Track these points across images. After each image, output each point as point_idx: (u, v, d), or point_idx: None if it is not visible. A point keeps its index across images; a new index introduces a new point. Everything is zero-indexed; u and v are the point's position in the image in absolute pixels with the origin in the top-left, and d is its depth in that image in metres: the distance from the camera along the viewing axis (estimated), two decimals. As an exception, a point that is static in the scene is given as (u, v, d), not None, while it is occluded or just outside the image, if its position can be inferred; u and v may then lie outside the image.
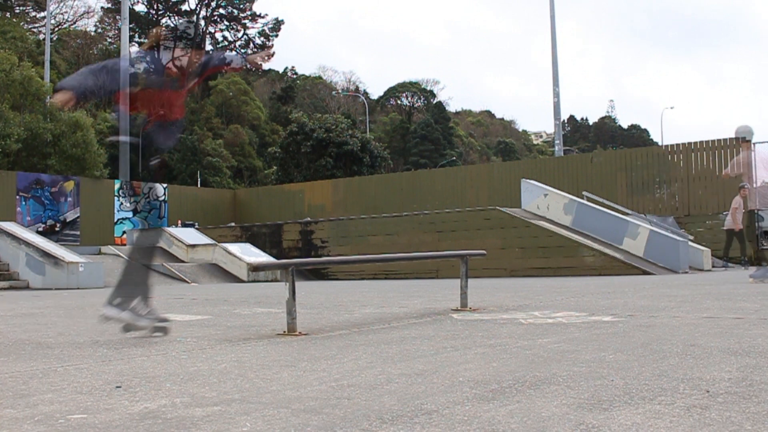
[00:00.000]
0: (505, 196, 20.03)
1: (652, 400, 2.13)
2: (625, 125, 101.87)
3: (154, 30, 3.94)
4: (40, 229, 21.00)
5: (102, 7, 58.50)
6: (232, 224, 22.37)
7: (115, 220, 23.92)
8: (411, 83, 73.71)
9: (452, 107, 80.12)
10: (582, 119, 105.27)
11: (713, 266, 14.87)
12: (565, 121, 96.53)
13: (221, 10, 63.56)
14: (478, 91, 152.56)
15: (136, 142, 3.94)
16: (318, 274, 17.40)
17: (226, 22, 64.04)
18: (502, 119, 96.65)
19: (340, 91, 67.00)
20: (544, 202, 16.00)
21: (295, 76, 69.65)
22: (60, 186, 22.64)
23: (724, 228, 14.65)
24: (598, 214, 15.16)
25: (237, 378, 2.75)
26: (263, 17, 64.41)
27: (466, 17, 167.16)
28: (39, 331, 4.89)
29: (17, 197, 21.47)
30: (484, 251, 6.43)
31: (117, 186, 24.39)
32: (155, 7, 61.69)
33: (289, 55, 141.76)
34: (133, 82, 3.81)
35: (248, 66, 4.51)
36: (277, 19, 68.16)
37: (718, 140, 18.05)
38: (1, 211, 20.30)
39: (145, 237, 4.51)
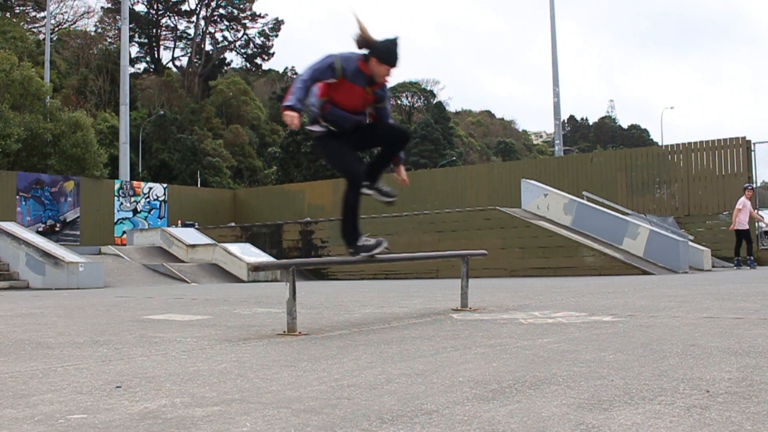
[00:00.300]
0: (505, 196, 20.04)
1: (652, 400, 2.13)
2: (625, 125, 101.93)
3: (363, 28, 4.27)
4: (40, 229, 21.01)
5: (102, 7, 58.57)
6: (232, 224, 22.37)
7: (115, 220, 23.92)
8: (411, 83, 73.74)
9: (452, 107, 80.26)
10: (582, 119, 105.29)
11: (713, 266, 14.87)
12: (565, 121, 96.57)
13: (221, 10, 63.56)
14: (478, 91, 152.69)
15: (326, 128, 4.42)
16: (318, 274, 17.40)
17: (226, 22, 64.05)
18: (502, 119, 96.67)
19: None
20: (544, 202, 15.99)
21: (295, 76, 69.64)
22: (60, 186, 22.64)
23: (734, 228, 14.63)
24: (598, 214, 15.16)
25: (237, 378, 2.75)
26: (263, 17, 64.47)
27: (466, 17, 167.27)
28: (39, 331, 4.88)
29: (17, 197, 21.48)
30: (484, 251, 6.42)
31: (117, 186, 24.39)
32: (155, 7, 61.68)
33: (289, 55, 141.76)
34: (332, 73, 4.24)
35: (393, 165, 4.71)
36: (277, 19, 68.28)
37: (718, 140, 18.05)
38: (1, 211, 20.31)
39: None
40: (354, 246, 4.53)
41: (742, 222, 14.37)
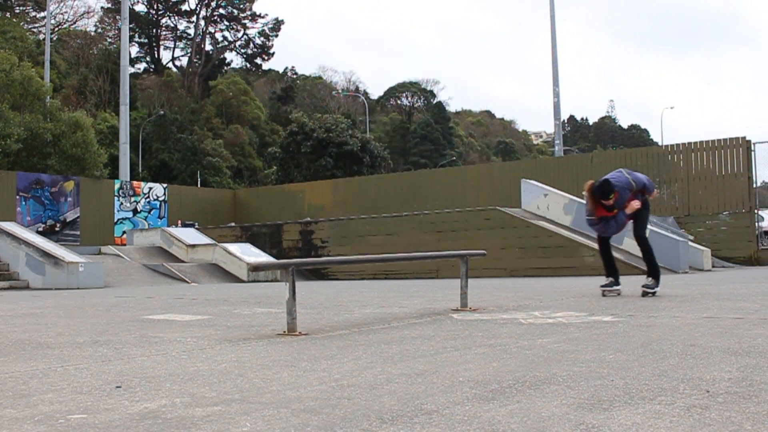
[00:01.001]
0: (505, 196, 20.02)
1: (652, 400, 2.13)
2: (625, 125, 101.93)
3: (589, 188, 6.49)
4: (40, 229, 21.00)
5: (102, 7, 58.53)
6: (232, 224, 22.37)
7: (115, 220, 23.91)
8: (411, 83, 73.71)
9: (452, 107, 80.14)
10: (582, 119, 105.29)
11: (713, 266, 14.87)
12: (565, 121, 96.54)
13: (221, 10, 63.55)
14: (478, 91, 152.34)
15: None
16: (318, 274, 17.40)
17: (226, 22, 64.04)
18: (502, 119, 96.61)
19: (340, 91, 66.99)
20: (544, 202, 15.99)
21: (295, 76, 69.67)
22: (60, 186, 22.64)
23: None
24: (598, 214, 15.14)
25: (237, 378, 2.75)
26: (263, 17, 64.47)
27: (466, 17, 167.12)
28: (39, 331, 4.88)
29: (17, 197, 21.47)
30: (484, 251, 6.43)
31: (117, 186, 24.39)
32: (155, 7, 61.67)
33: (289, 55, 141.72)
34: (592, 222, 6.71)
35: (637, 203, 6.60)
36: (277, 19, 68.20)
37: (718, 140, 18.04)
38: (1, 211, 20.30)
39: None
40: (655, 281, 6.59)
41: None
